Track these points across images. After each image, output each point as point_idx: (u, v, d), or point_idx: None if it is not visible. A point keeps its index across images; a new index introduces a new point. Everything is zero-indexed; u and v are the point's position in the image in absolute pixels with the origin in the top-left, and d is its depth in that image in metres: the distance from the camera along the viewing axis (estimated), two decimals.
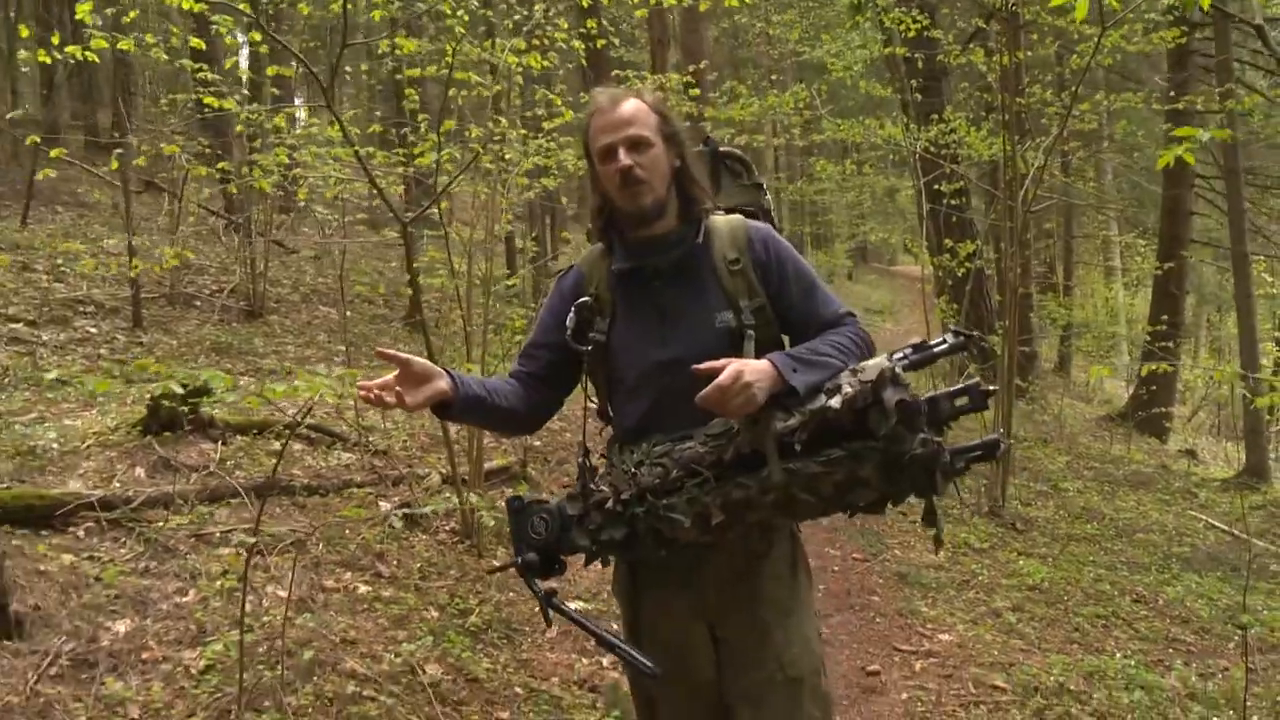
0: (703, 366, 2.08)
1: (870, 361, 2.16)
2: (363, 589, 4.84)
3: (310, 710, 3.85)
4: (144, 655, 3.92)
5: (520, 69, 5.67)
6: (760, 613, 2.33)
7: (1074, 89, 7.31)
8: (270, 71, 6.12)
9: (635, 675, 2.42)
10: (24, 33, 7.59)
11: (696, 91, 7.82)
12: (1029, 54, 9.13)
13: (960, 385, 2.13)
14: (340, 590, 4.78)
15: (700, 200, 2.37)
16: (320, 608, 4.57)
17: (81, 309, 10.39)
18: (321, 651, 4.17)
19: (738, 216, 2.44)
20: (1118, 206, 21.69)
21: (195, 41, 5.62)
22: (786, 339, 2.39)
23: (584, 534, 2.22)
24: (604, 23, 5.61)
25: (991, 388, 2.16)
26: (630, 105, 2.34)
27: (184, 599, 4.35)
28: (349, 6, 4.28)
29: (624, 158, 2.27)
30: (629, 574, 2.44)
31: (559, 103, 6.10)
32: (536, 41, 5.70)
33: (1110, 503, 9.56)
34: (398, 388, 2.11)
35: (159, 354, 9.45)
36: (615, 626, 2.61)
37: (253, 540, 4.02)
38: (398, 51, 5.50)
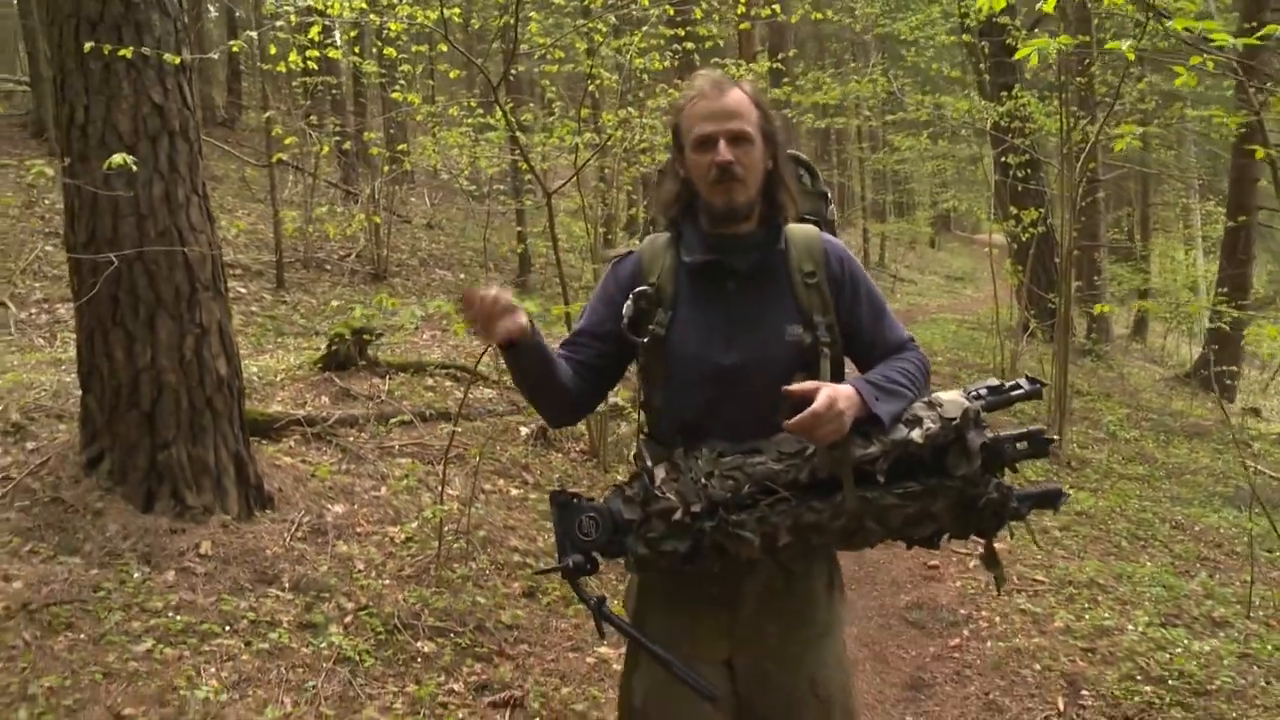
0: (795, 388, 2.05)
1: (946, 396, 2.17)
2: (514, 491, 5.98)
3: (486, 571, 4.99)
4: (358, 529, 5.09)
5: (643, 67, 6.69)
6: (796, 633, 2.30)
7: (1122, 74, 8.11)
8: (454, 75, 7.24)
9: (642, 693, 2.34)
10: None
11: (787, 86, 8.73)
12: (1090, 36, 9.82)
13: (1024, 430, 2.18)
14: (497, 492, 5.92)
15: (786, 206, 2.30)
16: (484, 504, 5.70)
17: (231, 271, 11.69)
18: (490, 532, 5.30)
19: (812, 228, 2.38)
20: (1192, 175, 21.98)
21: (314, 31, 6.65)
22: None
23: (641, 542, 2.12)
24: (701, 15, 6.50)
25: (1054, 436, 2.24)
26: (736, 95, 2.23)
27: (379, 493, 5.51)
28: (515, 20, 5.35)
29: (725, 151, 2.17)
30: (645, 590, 2.38)
31: (674, 93, 7.11)
32: (653, 41, 6.72)
33: (1164, 449, 10.33)
34: (495, 304, 2.05)
35: (303, 311, 10.69)
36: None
37: (450, 437, 5.15)
38: (548, 55, 6.56)
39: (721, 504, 2.07)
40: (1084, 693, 4.41)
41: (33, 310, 9.28)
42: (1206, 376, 14.44)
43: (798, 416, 2.00)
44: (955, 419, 2.08)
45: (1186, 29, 3.65)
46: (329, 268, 12.65)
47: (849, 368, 2.33)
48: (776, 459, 2.10)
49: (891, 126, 14.34)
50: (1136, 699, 4.29)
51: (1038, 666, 4.65)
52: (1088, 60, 10.06)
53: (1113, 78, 10.10)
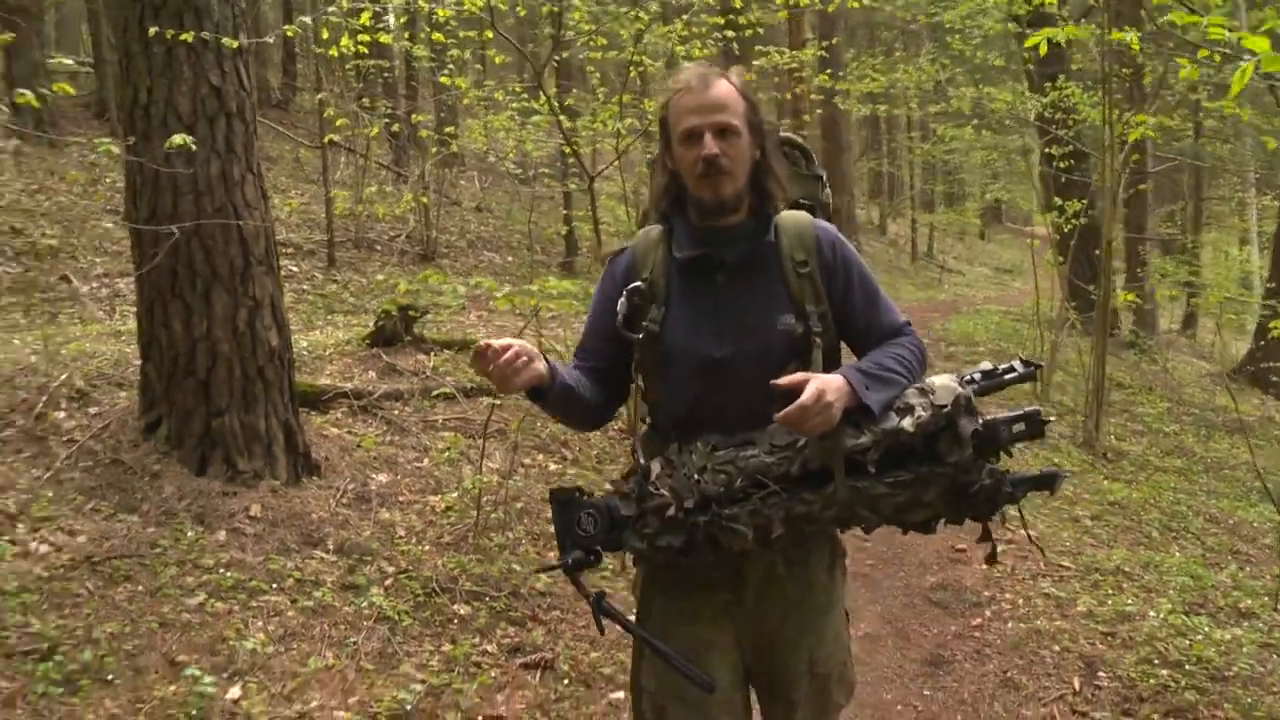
0: (783, 381, 2.05)
1: (938, 381, 2.18)
2: (553, 466, 6.16)
3: (522, 541, 5.18)
4: (400, 498, 5.30)
5: (684, 54, 6.83)
6: (796, 616, 2.32)
7: (1165, 64, 8.11)
8: (500, 60, 7.43)
9: (654, 680, 2.35)
10: None
11: (825, 75, 8.82)
12: (1136, 29, 9.77)
13: (1020, 412, 2.18)
14: (536, 466, 6.11)
15: (776, 196, 2.30)
16: (522, 477, 5.89)
17: (283, 250, 11.97)
18: (527, 504, 5.49)
19: (805, 215, 2.36)
20: (1248, 169, 21.66)
21: (365, 17, 6.85)
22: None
23: (637, 537, 2.16)
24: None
25: (1049, 418, 2.22)
26: (722, 88, 2.23)
27: (421, 464, 5.72)
28: (559, 10, 5.52)
29: (711, 145, 2.18)
30: (652, 574, 2.40)
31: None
32: (695, 29, 6.86)
33: (1204, 444, 10.33)
34: (511, 362, 2.06)
35: (353, 290, 10.94)
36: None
37: (490, 411, 5.35)
38: (592, 42, 6.73)
39: (714, 498, 2.10)
40: (1100, 674, 4.51)
41: (93, 284, 9.58)
42: (1254, 372, 14.34)
43: (786, 409, 2.01)
44: (946, 406, 2.09)
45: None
46: (379, 248, 12.90)
47: (848, 355, 2.34)
48: (768, 451, 2.11)
49: (938, 117, 14.33)
50: (1152, 681, 4.39)
51: (1056, 648, 4.75)
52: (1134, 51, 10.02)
53: (1159, 66, 10.05)
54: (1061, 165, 10.80)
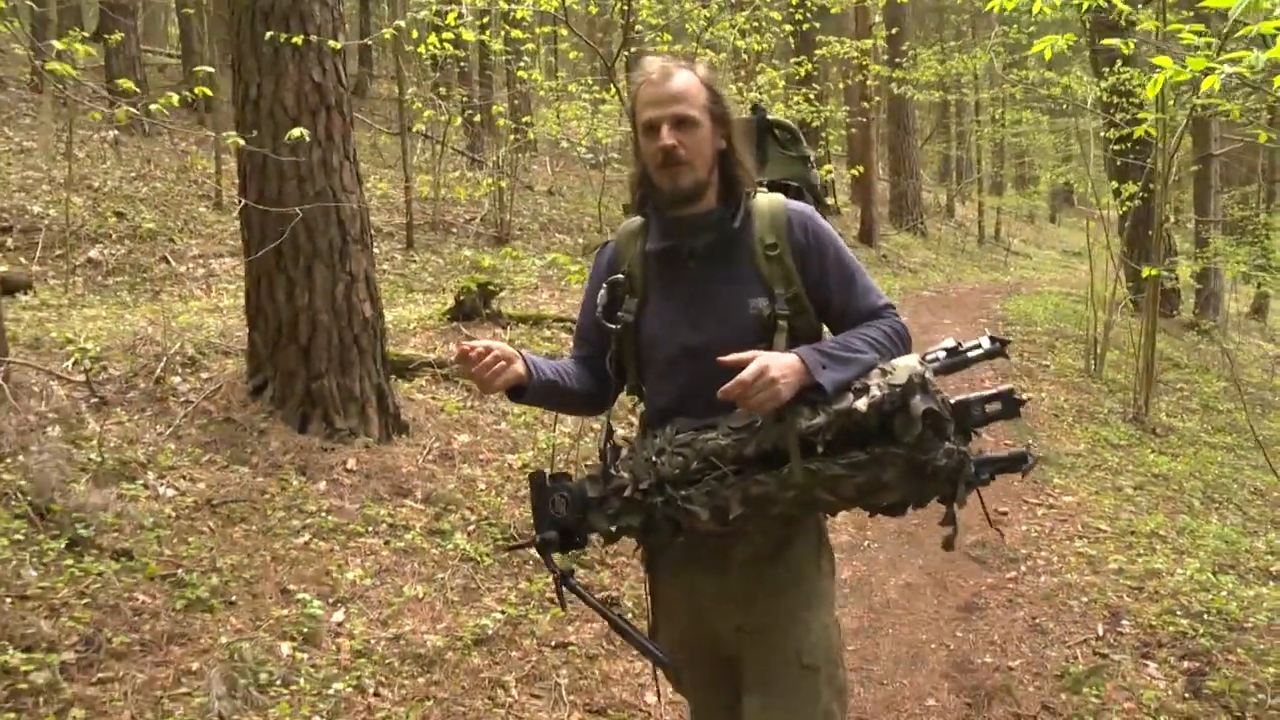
0: (729, 359, 2.06)
1: (900, 361, 2.15)
2: (619, 431, 6.60)
3: None
4: (480, 456, 5.81)
5: (744, 47, 7.22)
6: (782, 602, 2.32)
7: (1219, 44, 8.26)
8: (573, 56, 7.89)
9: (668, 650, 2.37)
10: None
11: (885, 69, 9.13)
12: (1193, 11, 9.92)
13: (994, 390, 2.15)
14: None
15: (743, 182, 2.30)
16: (591, 439, 6.36)
17: None
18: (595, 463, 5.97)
19: (779, 197, 2.36)
20: None
21: (451, 17, 7.35)
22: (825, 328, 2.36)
23: (602, 518, 2.22)
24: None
25: (1024, 396, 2.18)
26: (681, 80, 2.24)
27: (500, 426, 6.23)
28: (627, 8, 5.96)
29: (667, 136, 2.20)
30: (652, 554, 2.45)
31: (774, 74, 7.65)
32: (756, 24, 7.26)
33: (1258, 422, 10.48)
34: (490, 365, 2.15)
35: (431, 270, 11.51)
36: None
37: None
38: (658, 38, 7.16)
39: (670, 480, 2.13)
40: (1124, 623, 4.86)
41: (189, 265, 10.22)
42: None
43: (727, 384, 2.03)
44: (900, 384, 2.07)
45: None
46: (455, 230, 13.45)
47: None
48: (725, 434, 2.13)
49: (995, 102, 14.49)
50: (1171, 629, 4.73)
51: (1085, 599, 5.11)
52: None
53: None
54: (1120, 149, 11.00)
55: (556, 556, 2.28)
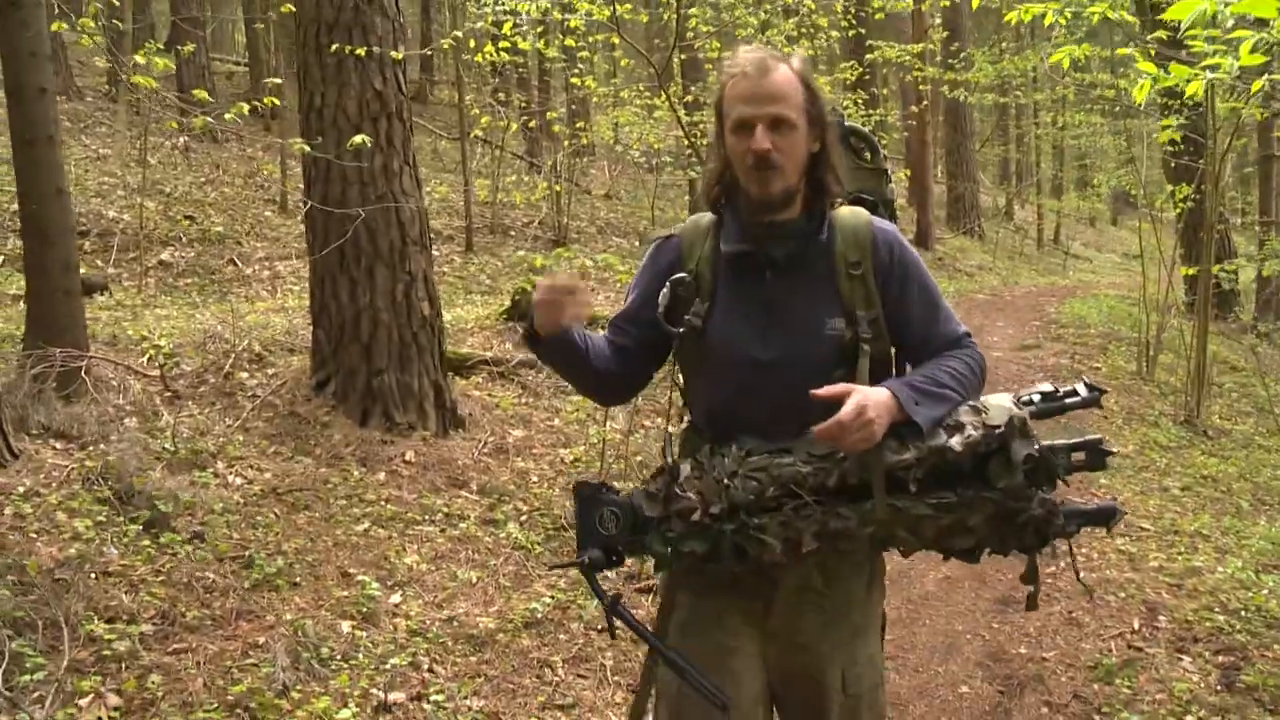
0: (822, 392, 1.96)
1: (993, 401, 2.07)
2: (670, 429, 6.80)
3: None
4: (534, 450, 6.03)
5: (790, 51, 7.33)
6: (830, 633, 2.21)
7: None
8: (625, 63, 8.10)
9: (674, 683, 2.19)
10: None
11: (936, 71, 9.26)
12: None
13: (1081, 439, 2.04)
14: (655, 428, 6.78)
15: (833, 192, 2.17)
16: (642, 435, 6.56)
17: None
18: (645, 459, 6.16)
19: (863, 212, 2.23)
20: None
21: (507, 26, 7.58)
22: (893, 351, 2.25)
23: (660, 540, 2.05)
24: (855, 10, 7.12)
25: (1112, 449, 2.07)
26: (779, 76, 2.08)
27: (553, 423, 6.45)
28: (678, 17, 6.16)
29: (762, 139, 2.05)
30: (683, 574, 2.23)
31: (823, 81, 7.78)
32: (805, 29, 7.43)
33: None
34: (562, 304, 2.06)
35: (489, 272, 11.78)
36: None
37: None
38: (708, 44, 7.35)
39: (743, 506, 2.00)
40: (1160, 618, 4.94)
41: (255, 267, 10.58)
42: None
43: (824, 424, 1.93)
44: (999, 427, 1.98)
45: None
46: (513, 234, 13.72)
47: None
48: (805, 461, 2.01)
49: (1056, 104, 14.45)
50: (1208, 624, 4.81)
51: (1122, 595, 5.19)
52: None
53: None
54: (1174, 150, 10.97)
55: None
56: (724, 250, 2.18)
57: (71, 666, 3.43)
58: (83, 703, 3.30)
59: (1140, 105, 10.94)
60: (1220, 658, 4.54)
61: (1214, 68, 3.02)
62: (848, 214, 2.20)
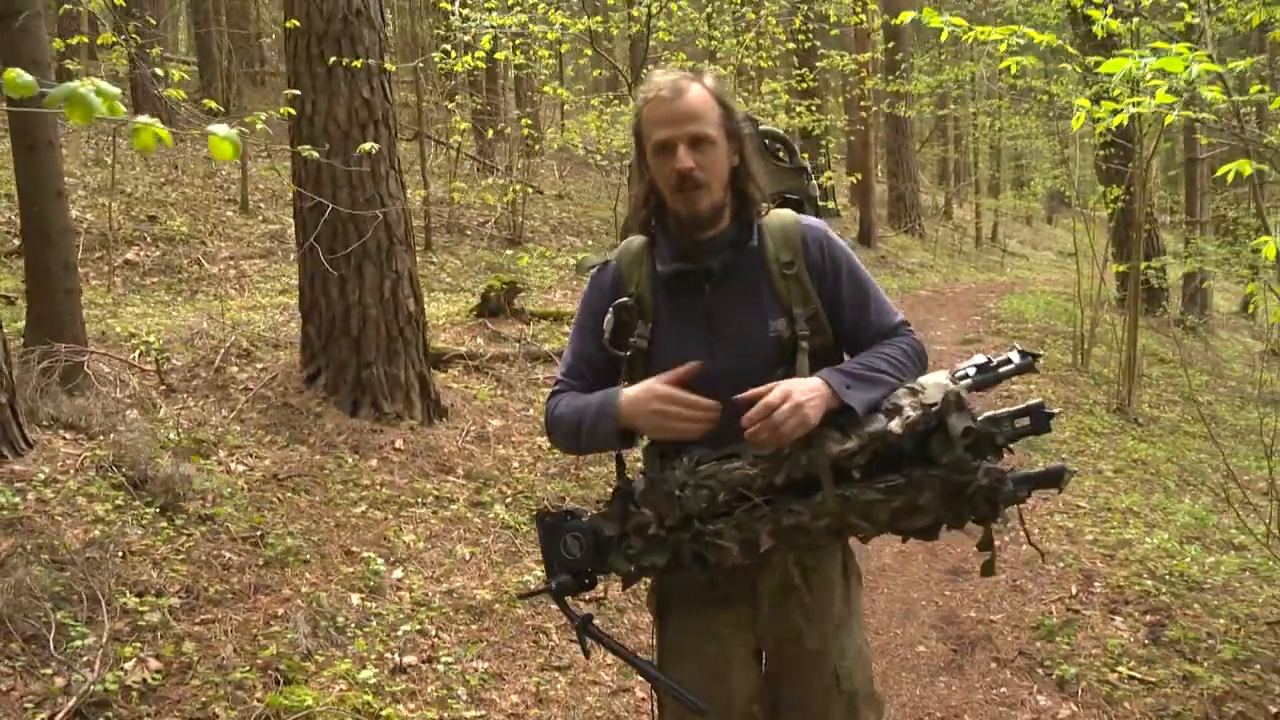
0: (747, 395, 2.00)
1: (929, 379, 2.10)
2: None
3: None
4: (513, 438, 6.38)
5: (752, 65, 7.80)
6: (815, 628, 2.27)
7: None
8: (596, 73, 8.46)
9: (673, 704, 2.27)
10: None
11: (880, 81, 9.73)
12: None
13: (1023, 406, 2.06)
14: None
15: (757, 200, 2.20)
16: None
17: None
18: None
19: (790, 213, 2.27)
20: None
21: (486, 40, 7.92)
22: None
23: (622, 558, 2.11)
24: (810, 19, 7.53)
25: (1054, 410, 2.08)
26: (694, 96, 2.12)
27: (528, 412, 6.79)
28: (648, 30, 6.54)
29: (684, 158, 2.09)
30: (664, 591, 2.34)
31: (778, 86, 8.23)
32: (762, 41, 7.85)
33: (1238, 414, 11.04)
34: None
35: (449, 270, 12.06)
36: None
37: None
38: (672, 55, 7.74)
39: (697, 514, 2.03)
40: (1095, 584, 5.42)
41: (220, 266, 10.76)
42: None
43: (749, 413, 1.97)
44: (935, 404, 2.01)
45: None
46: (469, 233, 14.00)
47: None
48: (752, 463, 2.04)
49: (992, 108, 15.01)
50: (1137, 588, 5.29)
51: (1061, 564, 5.67)
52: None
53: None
54: (1105, 153, 11.58)
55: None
56: (661, 271, 2.22)
57: (112, 635, 3.72)
58: (128, 666, 3.60)
59: (1075, 131, 11.54)
60: (1148, 617, 5.02)
61: (1136, 103, 3.46)
62: (776, 218, 2.26)
